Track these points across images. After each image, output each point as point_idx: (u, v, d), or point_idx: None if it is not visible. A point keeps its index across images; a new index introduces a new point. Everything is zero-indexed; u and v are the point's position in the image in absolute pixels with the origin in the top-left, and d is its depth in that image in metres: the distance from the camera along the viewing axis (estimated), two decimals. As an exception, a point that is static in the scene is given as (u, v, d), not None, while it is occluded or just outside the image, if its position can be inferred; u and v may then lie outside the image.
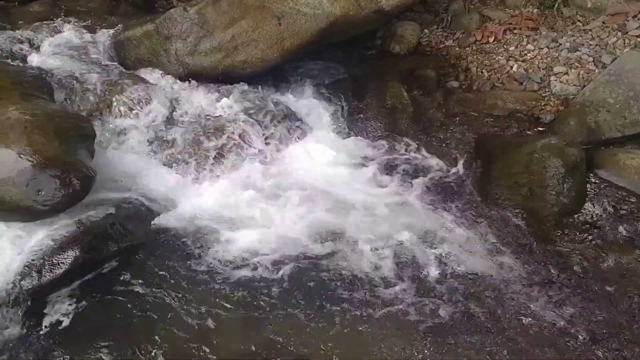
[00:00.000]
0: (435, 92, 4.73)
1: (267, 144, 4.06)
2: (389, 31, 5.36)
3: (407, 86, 4.68)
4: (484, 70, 4.89)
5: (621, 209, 3.67)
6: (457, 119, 4.43)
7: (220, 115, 4.07)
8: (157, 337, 2.87)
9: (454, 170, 4.00)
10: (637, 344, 2.88)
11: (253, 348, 2.85)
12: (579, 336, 2.91)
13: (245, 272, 3.22)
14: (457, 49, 5.19)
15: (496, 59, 4.93)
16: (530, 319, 3.01)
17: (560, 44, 4.81)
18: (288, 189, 3.82)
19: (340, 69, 4.87)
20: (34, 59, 4.16)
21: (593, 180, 3.88)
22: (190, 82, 4.24)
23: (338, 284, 3.17)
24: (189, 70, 4.27)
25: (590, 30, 4.84)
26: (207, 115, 4.07)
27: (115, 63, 4.35)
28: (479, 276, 3.23)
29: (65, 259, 3.04)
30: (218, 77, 4.27)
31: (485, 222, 3.59)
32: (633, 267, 3.32)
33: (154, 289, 3.12)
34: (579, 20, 5.01)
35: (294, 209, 3.66)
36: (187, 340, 2.87)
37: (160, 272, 3.22)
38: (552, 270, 3.28)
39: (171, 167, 3.84)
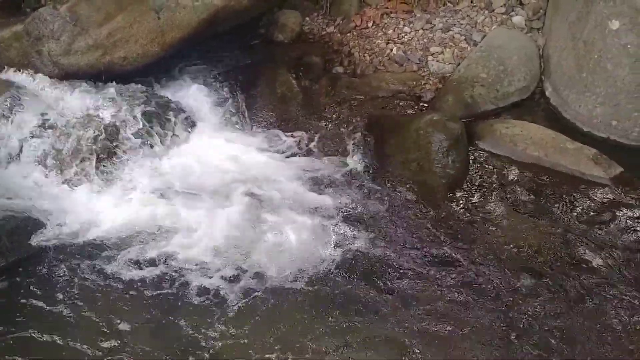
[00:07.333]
0: (322, 78, 4.81)
1: (154, 141, 3.95)
2: (271, 20, 5.36)
3: (295, 74, 4.73)
4: (366, 55, 5.03)
5: (500, 174, 3.96)
6: (346, 103, 4.53)
7: (102, 116, 3.89)
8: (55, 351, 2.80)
9: (346, 152, 4.08)
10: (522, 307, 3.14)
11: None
12: (470, 304, 3.12)
13: (138, 277, 3.20)
14: (339, 35, 5.29)
15: (376, 42, 5.08)
16: (420, 289, 3.18)
17: (434, 25, 5.04)
18: (179, 185, 3.76)
19: (227, 60, 4.80)
20: None
21: (474, 151, 4.14)
22: (66, 83, 4.03)
23: (242, 275, 3.24)
24: (65, 71, 4.04)
25: (460, 10, 5.10)
26: (88, 116, 3.87)
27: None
28: (373, 251, 3.37)
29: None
30: (100, 76, 4.10)
31: (380, 198, 3.73)
32: (514, 227, 3.58)
33: (47, 303, 3.03)
34: (449, 1, 5.26)
35: (184, 206, 3.62)
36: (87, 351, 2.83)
37: (52, 286, 3.13)
38: (443, 239, 3.47)
39: (54, 175, 3.67)
